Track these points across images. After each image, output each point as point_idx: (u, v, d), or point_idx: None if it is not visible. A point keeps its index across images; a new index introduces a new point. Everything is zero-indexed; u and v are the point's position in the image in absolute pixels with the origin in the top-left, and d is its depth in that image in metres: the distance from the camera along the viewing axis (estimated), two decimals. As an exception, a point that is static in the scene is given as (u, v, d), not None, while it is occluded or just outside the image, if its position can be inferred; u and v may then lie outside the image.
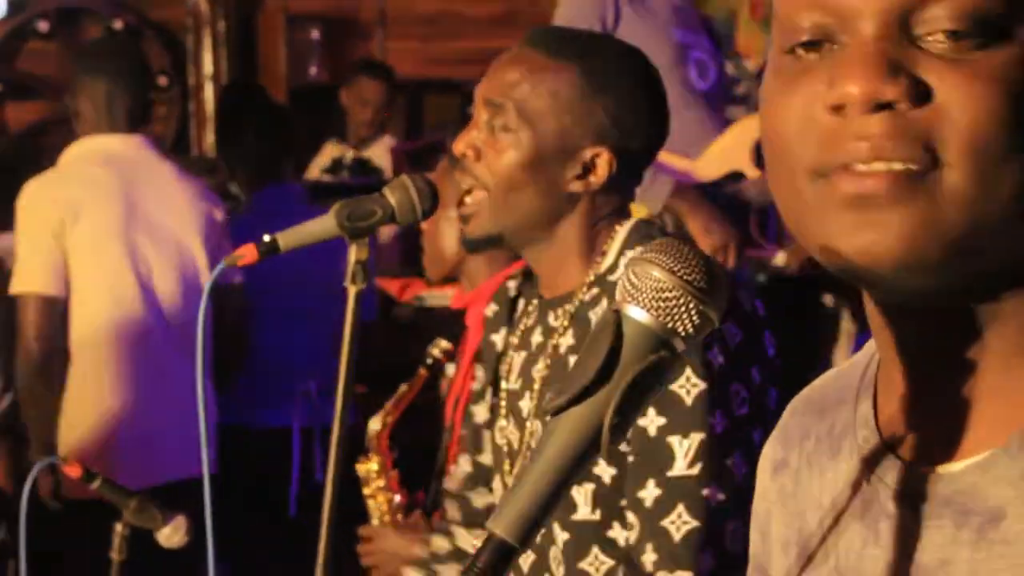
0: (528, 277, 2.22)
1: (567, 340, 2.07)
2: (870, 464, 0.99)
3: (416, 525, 2.74)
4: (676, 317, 0.89)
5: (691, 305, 0.89)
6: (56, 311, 3.78)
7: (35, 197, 3.84)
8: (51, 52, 6.77)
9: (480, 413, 2.32)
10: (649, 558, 1.91)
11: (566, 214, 2.06)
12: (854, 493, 1.00)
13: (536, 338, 2.13)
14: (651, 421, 1.91)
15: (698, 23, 3.98)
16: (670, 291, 0.89)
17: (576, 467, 0.89)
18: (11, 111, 6.77)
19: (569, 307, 2.07)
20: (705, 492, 1.91)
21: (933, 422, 0.97)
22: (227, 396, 4.13)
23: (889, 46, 0.90)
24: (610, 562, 1.98)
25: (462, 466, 2.37)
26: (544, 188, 2.04)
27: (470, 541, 2.35)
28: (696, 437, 1.90)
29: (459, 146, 2.08)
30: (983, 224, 0.90)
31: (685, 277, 0.89)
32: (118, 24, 6.75)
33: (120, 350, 3.84)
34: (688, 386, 1.90)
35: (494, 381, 2.25)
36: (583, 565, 1.99)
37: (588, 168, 2.04)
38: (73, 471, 2.85)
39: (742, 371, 1.95)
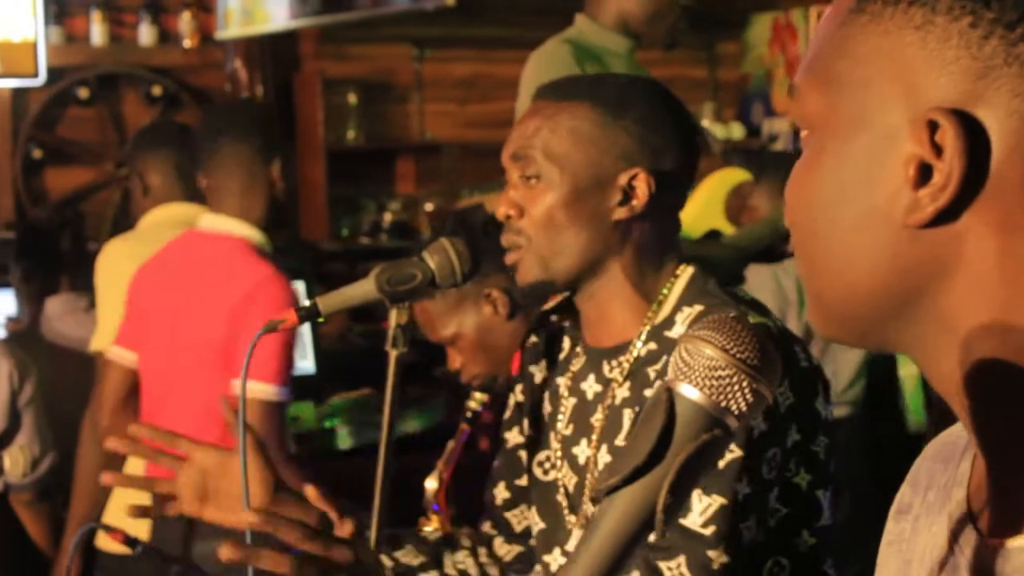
0: (568, 310, 2.19)
1: (623, 392, 2.04)
2: (955, 532, 0.99)
3: None
4: (729, 396, 0.88)
5: (744, 383, 0.89)
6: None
7: (115, 255, 3.85)
8: (91, 118, 6.83)
9: (513, 438, 2.28)
10: None
11: (614, 248, 2.04)
12: (943, 558, 0.99)
13: (588, 386, 2.11)
14: None
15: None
16: (723, 369, 0.89)
17: (630, 546, 0.88)
18: (52, 177, 6.82)
19: (624, 360, 2.04)
20: (710, 554, 1.89)
21: (1008, 495, 0.95)
22: None
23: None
24: None
25: (499, 494, 2.30)
26: (588, 222, 2.03)
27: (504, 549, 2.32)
28: (718, 500, 1.89)
29: (501, 210, 2.07)
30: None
31: (738, 355, 0.89)
32: (156, 90, 6.80)
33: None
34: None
35: (531, 412, 2.23)
36: None
37: (628, 193, 2.03)
38: (115, 538, 2.85)
39: (782, 435, 1.93)
